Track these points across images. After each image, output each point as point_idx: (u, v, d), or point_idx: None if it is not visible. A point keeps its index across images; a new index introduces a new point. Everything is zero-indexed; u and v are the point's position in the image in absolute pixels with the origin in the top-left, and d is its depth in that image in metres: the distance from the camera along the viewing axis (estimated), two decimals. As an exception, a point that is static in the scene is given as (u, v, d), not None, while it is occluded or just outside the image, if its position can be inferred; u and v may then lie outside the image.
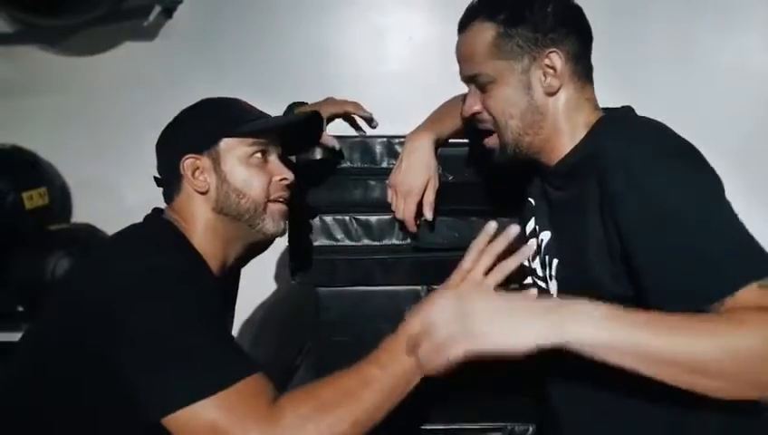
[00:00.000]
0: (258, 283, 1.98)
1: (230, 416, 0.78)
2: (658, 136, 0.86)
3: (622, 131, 0.89)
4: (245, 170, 1.00)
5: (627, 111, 0.98)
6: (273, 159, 1.03)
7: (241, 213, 1.00)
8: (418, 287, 1.15)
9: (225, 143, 0.99)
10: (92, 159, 1.98)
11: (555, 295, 0.94)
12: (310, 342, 1.49)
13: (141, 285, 0.84)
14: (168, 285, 0.85)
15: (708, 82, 1.82)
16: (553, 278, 0.95)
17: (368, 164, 1.18)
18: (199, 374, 0.80)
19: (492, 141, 0.99)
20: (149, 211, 1.04)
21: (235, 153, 1.00)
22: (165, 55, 1.96)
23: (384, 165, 1.17)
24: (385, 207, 1.13)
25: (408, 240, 1.14)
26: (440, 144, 1.13)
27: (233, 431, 0.78)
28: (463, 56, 0.99)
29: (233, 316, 1.18)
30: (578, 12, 0.96)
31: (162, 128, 1.05)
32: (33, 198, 1.83)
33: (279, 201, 1.03)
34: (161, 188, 1.05)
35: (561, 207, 0.95)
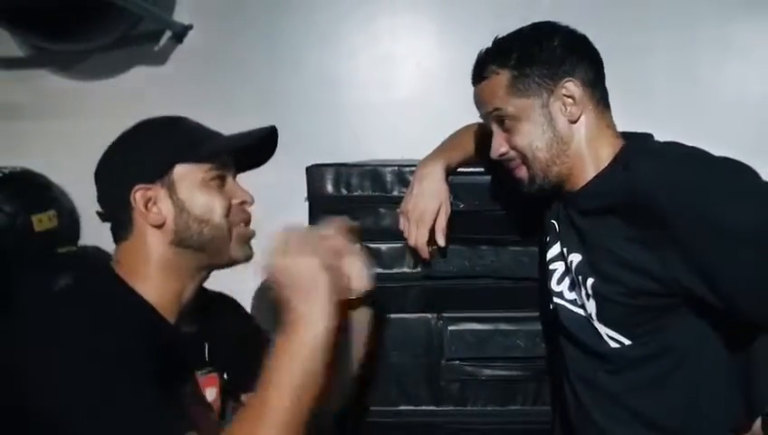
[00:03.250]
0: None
1: None
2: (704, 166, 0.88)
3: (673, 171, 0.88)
4: (205, 196, 0.91)
5: (647, 137, 0.99)
6: (230, 181, 0.96)
7: (204, 243, 0.91)
8: (428, 315, 1.16)
9: (180, 169, 0.90)
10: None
11: (594, 314, 0.95)
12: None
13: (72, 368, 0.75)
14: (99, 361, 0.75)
15: (708, 112, 1.82)
16: (591, 297, 0.95)
17: (378, 192, 1.19)
18: None
19: (522, 172, 1.01)
20: None
21: (192, 179, 0.91)
22: (175, 80, 1.98)
23: (395, 193, 1.18)
24: (395, 235, 1.13)
25: (419, 268, 1.14)
26: (451, 172, 1.14)
27: None
28: (482, 101, 1.01)
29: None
30: (584, 39, 1.00)
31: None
32: (43, 221, 1.82)
33: (242, 225, 0.96)
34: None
35: (593, 230, 0.96)
